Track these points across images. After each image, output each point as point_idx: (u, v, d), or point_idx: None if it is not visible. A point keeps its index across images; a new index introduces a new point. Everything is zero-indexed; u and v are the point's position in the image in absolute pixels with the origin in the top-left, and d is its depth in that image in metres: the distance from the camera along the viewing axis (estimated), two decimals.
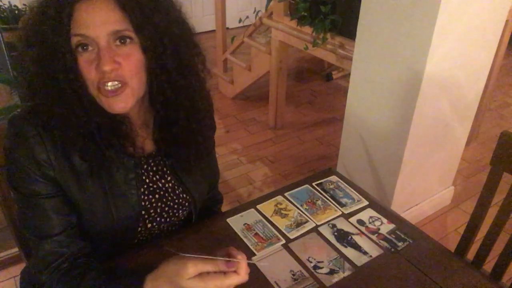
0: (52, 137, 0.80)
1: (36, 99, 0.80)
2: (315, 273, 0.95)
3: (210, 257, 0.70)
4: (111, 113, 0.81)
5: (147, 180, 0.93)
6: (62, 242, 0.83)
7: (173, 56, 0.81)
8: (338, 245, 1.03)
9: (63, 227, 0.84)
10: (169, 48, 0.80)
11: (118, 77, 0.77)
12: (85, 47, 0.75)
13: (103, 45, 0.74)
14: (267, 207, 1.14)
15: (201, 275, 0.69)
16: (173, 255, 0.73)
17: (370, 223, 1.10)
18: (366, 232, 1.07)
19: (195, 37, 0.87)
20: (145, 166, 0.94)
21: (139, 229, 0.94)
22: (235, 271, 0.71)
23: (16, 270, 1.83)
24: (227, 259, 0.71)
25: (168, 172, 0.96)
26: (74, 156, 0.83)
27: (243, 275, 0.72)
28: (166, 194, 0.96)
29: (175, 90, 0.84)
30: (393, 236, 1.05)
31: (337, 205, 1.15)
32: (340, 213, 1.13)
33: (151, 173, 0.94)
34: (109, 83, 0.76)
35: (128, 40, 0.76)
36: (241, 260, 0.71)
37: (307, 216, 1.11)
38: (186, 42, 0.84)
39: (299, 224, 1.08)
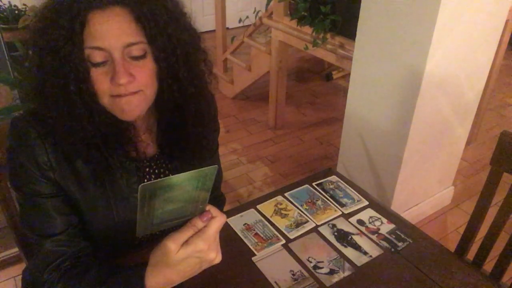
0: (54, 141, 0.80)
1: (41, 106, 0.79)
2: (315, 273, 0.95)
3: (184, 225, 0.70)
4: (118, 121, 0.81)
5: None
6: (63, 242, 0.83)
7: (184, 65, 0.81)
8: (338, 245, 1.03)
9: (64, 227, 0.84)
10: (181, 57, 0.80)
11: (134, 89, 0.77)
12: (100, 63, 0.74)
13: (118, 57, 0.74)
14: (267, 207, 1.14)
15: (186, 241, 0.68)
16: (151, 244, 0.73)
17: (370, 223, 1.10)
18: (366, 232, 1.07)
19: (202, 42, 0.87)
20: (147, 169, 0.94)
21: None
22: (211, 218, 0.70)
23: (16, 270, 1.83)
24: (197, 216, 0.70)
25: (170, 175, 0.96)
26: (76, 159, 0.83)
27: (219, 216, 0.71)
28: None
29: (185, 98, 0.85)
30: (393, 236, 1.06)
31: (337, 205, 1.15)
32: (340, 213, 1.13)
33: (153, 176, 0.94)
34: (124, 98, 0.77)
35: (141, 58, 0.76)
36: (209, 207, 0.71)
37: (307, 216, 1.11)
38: (195, 49, 0.84)
39: (299, 224, 1.08)
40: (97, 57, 0.74)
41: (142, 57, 0.76)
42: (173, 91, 0.82)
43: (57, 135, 0.80)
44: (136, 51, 0.75)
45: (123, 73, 0.74)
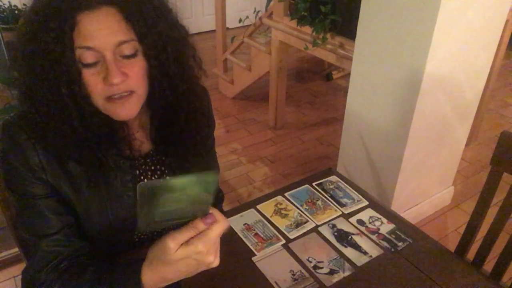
0: (45, 143, 0.80)
1: (32, 109, 0.78)
2: (315, 273, 0.95)
3: (186, 225, 0.69)
4: (111, 121, 0.81)
5: (145, 180, 0.93)
6: (60, 241, 0.83)
7: (175, 61, 0.81)
8: (338, 245, 1.03)
9: (60, 227, 0.84)
10: (171, 54, 0.80)
11: (127, 88, 0.77)
12: (92, 64, 0.74)
13: (110, 56, 0.73)
14: (267, 207, 1.14)
15: (187, 242, 0.68)
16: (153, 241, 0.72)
17: (370, 223, 1.10)
18: (366, 232, 1.07)
19: (190, 38, 0.87)
20: (143, 167, 0.93)
21: None
22: (214, 222, 0.70)
23: (16, 270, 1.83)
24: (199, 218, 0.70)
25: (166, 171, 0.96)
26: (68, 160, 0.83)
27: (222, 221, 0.71)
28: None
29: (176, 95, 0.85)
30: (393, 236, 1.06)
31: (337, 205, 1.15)
32: (340, 213, 1.13)
33: (149, 173, 0.94)
34: (117, 95, 0.76)
35: (132, 57, 0.76)
36: (213, 210, 0.70)
37: (307, 216, 1.11)
38: (185, 46, 0.84)
39: (299, 224, 1.08)
40: (88, 57, 0.73)
41: (133, 55, 0.76)
42: (164, 89, 0.82)
43: (48, 137, 0.79)
44: (127, 49, 0.75)
45: (116, 72, 0.74)
